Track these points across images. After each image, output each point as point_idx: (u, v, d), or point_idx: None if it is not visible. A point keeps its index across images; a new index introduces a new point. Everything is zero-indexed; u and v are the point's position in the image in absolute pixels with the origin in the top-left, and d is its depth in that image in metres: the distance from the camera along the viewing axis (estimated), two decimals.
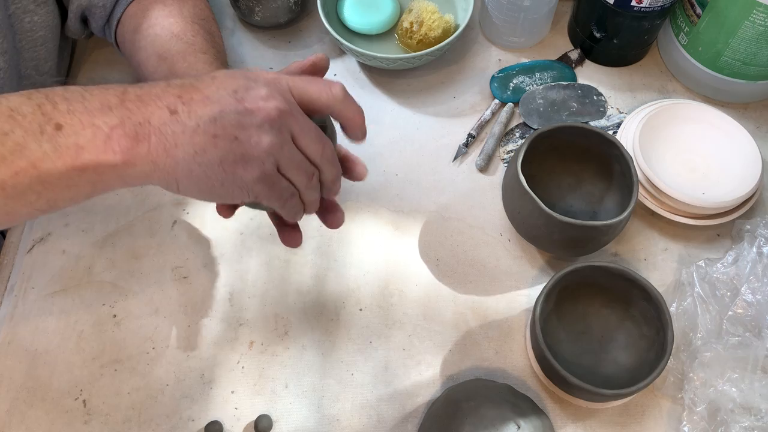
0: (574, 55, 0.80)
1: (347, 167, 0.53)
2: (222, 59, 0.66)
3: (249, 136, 0.42)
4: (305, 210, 0.49)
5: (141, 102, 0.41)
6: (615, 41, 0.76)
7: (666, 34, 0.78)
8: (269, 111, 0.42)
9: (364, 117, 0.47)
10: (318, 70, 0.52)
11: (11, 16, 0.62)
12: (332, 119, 0.50)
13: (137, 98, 0.42)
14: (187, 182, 0.42)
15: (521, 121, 0.75)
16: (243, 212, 0.70)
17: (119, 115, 0.41)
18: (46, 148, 0.40)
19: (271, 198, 0.45)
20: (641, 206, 0.69)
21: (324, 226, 0.69)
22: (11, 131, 0.40)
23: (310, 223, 0.69)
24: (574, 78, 0.78)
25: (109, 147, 0.40)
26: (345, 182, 0.71)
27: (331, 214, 0.54)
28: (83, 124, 0.40)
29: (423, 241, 0.69)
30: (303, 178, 0.45)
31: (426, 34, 0.75)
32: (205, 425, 0.60)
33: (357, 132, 0.48)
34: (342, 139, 0.50)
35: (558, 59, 0.80)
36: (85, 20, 0.70)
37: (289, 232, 0.55)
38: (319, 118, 0.48)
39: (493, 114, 0.76)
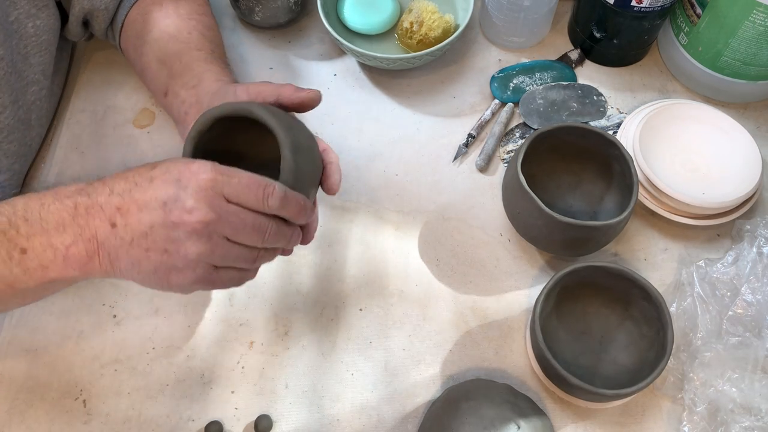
0: (574, 55, 0.80)
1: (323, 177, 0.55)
2: (218, 53, 0.66)
3: (177, 248, 0.45)
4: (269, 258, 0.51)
5: (89, 215, 0.46)
6: (615, 41, 0.76)
7: (666, 34, 0.78)
8: (194, 225, 0.44)
9: (306, 210, 0.49)
10: (307, 105, 0.54)
11: (13, 23, 0.62)
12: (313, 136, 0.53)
13: (86, 211, 0.46)
14: (136, 282, 0.48)
15: (521, 121, 0.75)
16: None
17: (72, 233, 0.46)
18: (17, 272, 0.46)
19: (215, 288, 0.49)
20: (641, 206, 0.69)
21: (323, 227, 0.69)
22: None
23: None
24: (574, 78, 0.78)
25: (69, 265, 0.47)
26: (345, 182, 0.72)
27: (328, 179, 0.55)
28: (44, 246, 0.46)
29: (423, 241, 0.69)
30: (246, 263, 0.48)
31: (426, 34, 0.75)
32: (205, 425, 0.60)
33: (299, 221, 0.50)
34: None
35: (558, 59, 0.80)
36: (85, 23, 0.70)
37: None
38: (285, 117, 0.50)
39: (493, 114, 0.76)
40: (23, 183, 0.72)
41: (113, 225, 0.45)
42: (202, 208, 0.44)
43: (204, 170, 0.45)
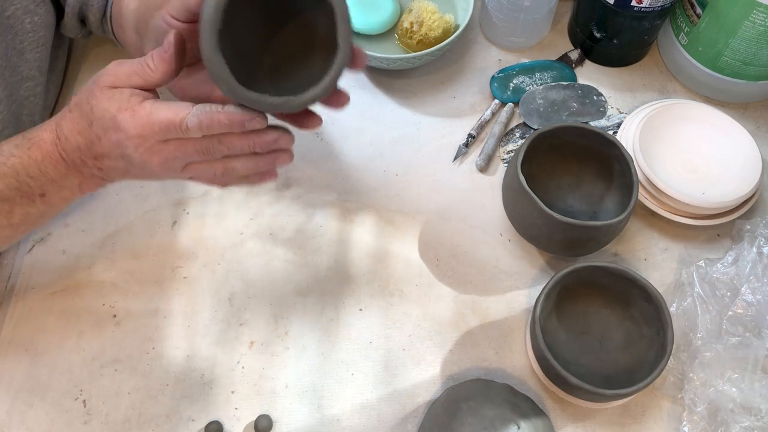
0: (574, 55, 0.80)
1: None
2: None
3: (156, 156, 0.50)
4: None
5: (82, 166, 0.52)
6: (615, 41, 0.76)
7: (666, 34, 0.78)
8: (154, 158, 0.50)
9: (247, 120, 0.47)
10: None
11: (10, 17, 0.62)
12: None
13: (75, 167, 0.52)
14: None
15: (521, 121, 0.75)
16: (242, 213, 0.70)
17: (77, 175, 0.53)
18: (42, 208, 0.55)
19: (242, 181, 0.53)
20: (641, 206, 0.69)
21: (322, 227, 0.69)
22: (11, 211, 0.54)
23: (313, 222, 0.70)
24: (574, 78, 0.78)
25: (85, 191, 0.55)
26: (345, 182, 0.72)
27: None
28: (57, 188, 0.54)
29: (423, 241, 0.69)
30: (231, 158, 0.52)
31: (426, 34, 0.75)
32: (205, 425, 0.60)
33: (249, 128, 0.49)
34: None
35: (558, 59, 0.80)
36: (82, 20, 0.70)
37: (303, 118, 0.52)
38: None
39: (493, 114, 0.76)
40: None
41: (100, 170, 0.52)
42: (147, 156, 0.49)
43: (130, 133, 0.48)
